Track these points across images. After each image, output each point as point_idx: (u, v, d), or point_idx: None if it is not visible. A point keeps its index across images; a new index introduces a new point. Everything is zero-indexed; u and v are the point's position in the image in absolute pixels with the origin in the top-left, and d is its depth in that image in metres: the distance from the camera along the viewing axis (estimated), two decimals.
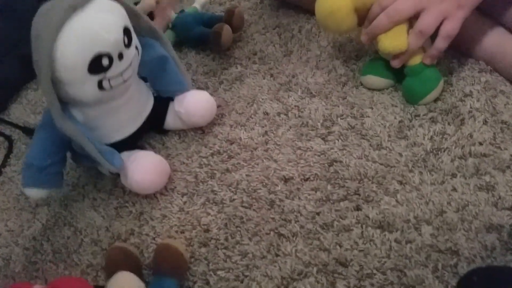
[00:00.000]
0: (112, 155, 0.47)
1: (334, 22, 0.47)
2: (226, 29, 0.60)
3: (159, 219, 0.47)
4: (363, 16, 0.48)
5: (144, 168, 0.47)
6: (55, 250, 0.48)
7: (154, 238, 0.45)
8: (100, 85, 0.43)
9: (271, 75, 0.58)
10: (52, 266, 0.47)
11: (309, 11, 0.64)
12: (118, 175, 0.49)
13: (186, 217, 0.46)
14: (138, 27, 0.48)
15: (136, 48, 0.46)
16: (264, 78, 0.58)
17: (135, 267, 0.41)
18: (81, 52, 0.40)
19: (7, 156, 0.62)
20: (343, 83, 0.53)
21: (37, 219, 0.52)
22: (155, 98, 0.53)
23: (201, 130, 0.54)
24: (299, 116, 0.52)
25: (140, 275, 0.40)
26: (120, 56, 0.43)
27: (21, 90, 0.74)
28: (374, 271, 0.36)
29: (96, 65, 0.41)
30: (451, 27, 0.42)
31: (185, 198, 0.48)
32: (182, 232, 0.44)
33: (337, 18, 0.47)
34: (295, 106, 0.53)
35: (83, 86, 0.43)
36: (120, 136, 0.50)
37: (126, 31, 0.43)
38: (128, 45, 0.44)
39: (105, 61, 0.42)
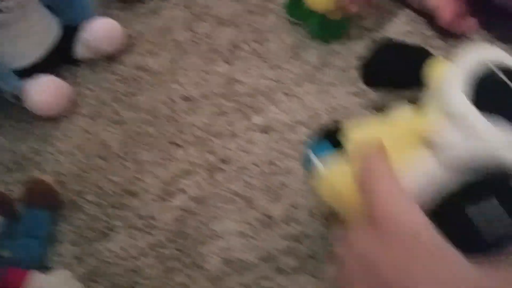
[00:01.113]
0: (9, 78, 0.53)
1: None
2: None
3: (60, 139, 0.54)
4: None
5: (43, 90, 0.54)
6: None
7: (54, 155, 0.52)
8: None
9: (187, 7, 0.66)
10: None
11: None
12: None
13: (87, 136, 0.53)
14: None
15: None
16: (180, 11, 0.66)
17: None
18: None
19: None
20: (253, 12, 0.61)
21: None
22: (64, 28, 0.60)
23: (111, 59, 0.61)
24: (208, 43, 0.59)
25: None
26: None
27: None
28: (251, 165, 0.45)
29: None
30: None
31: (87, 119, 0.55)
32: (81, 147, 0.52)
33: None
34: (205, 34, 0.61)
35: None
36: (24, 63, 0.57)
37: None
38: None
39: None
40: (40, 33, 0.58)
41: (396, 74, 0.37)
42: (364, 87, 0.47)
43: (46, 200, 0.48)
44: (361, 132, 0.32)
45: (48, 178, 0.48)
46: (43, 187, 0.47)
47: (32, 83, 0.55)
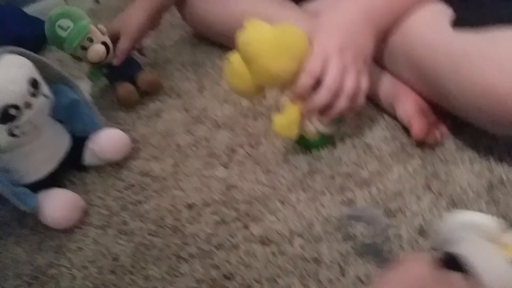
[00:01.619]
0: (25, 197, 0.53)
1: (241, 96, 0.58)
2: (127, 89, 0.69)
3: (74, 252, 0.52)
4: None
5: (57, 205, 0.53)
6: None
7: (69, 269, 0.51)
8: (11, 133, 0.50)
9: (185, 110, 0.66)
10: None
11: (224, 46, 0.73)
12: None
13: (99, 248, 0.52)
14: (49, 76, 0.55)
15: (46, 95, 0.53)
16: (179, 113, 0.66)
17: None
18: None
19: None
20: (245, 115, 0.62)
21: None
22: (73, 137, 0.60)
23: (118, 165, 0.61)
24: (206, 147, 0.60)
25: None
26: (27, 105, 0.50)
27: None
28: (253, 282, 0.43)
29: (4, 116, 0.48)
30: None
31: (99, 231, 0.54)
32: (94, 261, 0.51)
33: (243, 95, 0.57)
34: (204, 137, 0.61)
35: None
36: (37, 176, 0.56)
37: (33, 82, 0.51)
38: (35, 94, 0.51)
39: (12, 111, 0.48)
40: (52, 148, 0.57)
41: None
42: (350, 195, 0.48)
43: None
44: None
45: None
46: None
47: (46, 198, 0.54)
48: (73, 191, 0.57)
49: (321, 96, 0.47)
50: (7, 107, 0.48)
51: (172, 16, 0.82)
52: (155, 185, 0.57)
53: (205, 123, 0.63)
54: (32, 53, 0.53)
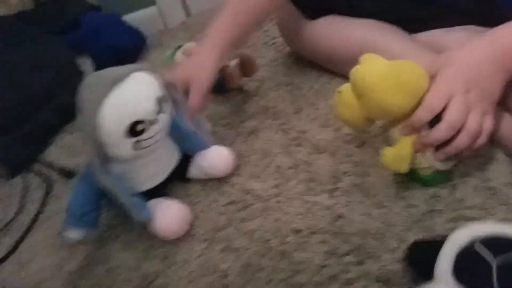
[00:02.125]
0: (141, 208, 0.51)
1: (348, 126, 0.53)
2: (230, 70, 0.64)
3: (181, 264, 0.50)
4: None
5: (168, 216, 0.51)
6: (90, 285, 0.52)
7: (177, 282, 0.48)
8: (135, 147, 0.48)
9: (283, 130, 0.63)
10: None
11: (321, 68, 0.69)
12: None
13: (205, 263, 0.49)
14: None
15: (168, 113, 0.51)
16: (276, 133, 0.63)
17: None
18: (120, 120, 0.46)
19: (45, 196, 0.67)
20: (348, 141, 0.57)
21: (73, 258, 0.56)
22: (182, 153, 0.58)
23: (219, 180, 0.58)
24: (308, 171, 0.55)
25: None
26: (153, 122, 0.48)
27: (58, 133, 0.79)
28: None
29: (132, 131, 0.46)
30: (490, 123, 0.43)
31: (204, 244, 0.51)
32: (201, 276, 0.48)
33: (350, 125, 0.52)
34: (304, 161, 0.57)
35: (120, 147, 0.48)
36: (150, 186, 0.55)
37: (159, 100, 0.49)
38: (160, 111, 0.49)
39: (139, 127, 0.47)
40: (165, 161, 0.56)
41: None
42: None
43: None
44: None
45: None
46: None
47: (157, 208, 0.53)
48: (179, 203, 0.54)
49: (440, 132, 0.42)
50: (136, 123, 0.46)
51: (266, 35, 0.79)
52: (258, 204, 0.54)
53: (305, 146, 0.59)
54: (154, 74, 0.51)
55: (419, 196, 0.47)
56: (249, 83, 0.74)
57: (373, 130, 0.57)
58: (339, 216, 0.49)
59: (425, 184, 0.48)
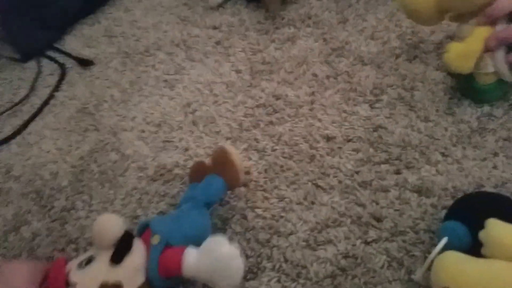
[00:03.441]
0: None
1: (412, 18, 0.47)
2: None
3: (203, 157, 0.49)
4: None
5: None
6: (102, 171, 0.51)
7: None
8: None
9: (324, 40, 0.59)
10: (97, 185, 0.50)
11: None
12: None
13: None
14: None
15: None
16: (316, 42, 0.59)
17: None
18: None
19: (59, 82, 0.66)
20: (396, 55, 0.53)
21: (85, 142, 0.56)
22: None
23: (248, 83, 0.56)
24: (348, 82, 0.53)
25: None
26: None
27: (77, 24, 0.76)
28: (407, 229, 0.38)
29: None
30: None
31: (228, 142, 0.50)
32: None
33: (415, 17, 0.47)
34: (345, 71, 0.54)
35: None
36: None
37: None
38: None
39: None
40: None
41: None
42: None
43: (225, 170, 0.42)
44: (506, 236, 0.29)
45: (229, 147, 0.43)
46: (227, 160, 0.42)
47: None
48: None
49: None
50: None
51: None
52: (289, 110, 0.51)
53: (347, 57, 0.55)
54: None
55: (470, 112, 0.44)
56: None
57: (427, 45, 0.53)
58: (379, 127, 0.47)
59: (480, 96, 0.45)
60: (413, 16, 0.47)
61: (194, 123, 0.53)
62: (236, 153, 0.42)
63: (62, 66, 0.68)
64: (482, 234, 0.30)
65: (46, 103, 0.63)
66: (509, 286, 0.28)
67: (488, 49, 0.40)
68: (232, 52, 0.61)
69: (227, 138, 0.50)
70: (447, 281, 0.31)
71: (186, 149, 0.50)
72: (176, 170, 0.49)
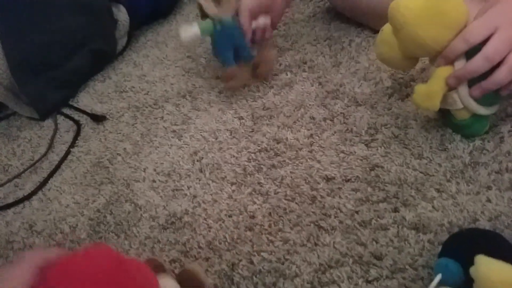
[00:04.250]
0: None
1: (390, 66, 0.54)
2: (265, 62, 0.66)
3: (210, 203, 0.53)
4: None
5: None
6: (117, 222, 0.56)
7: (205, 219, 0.51)
8: None
9: (319, 83, 0.64)
10: (113, 236, 0.54)
11: (361, 25, 0.69)
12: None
13: (234, 203, 0.52)
14: None
15: None
16: (312, 85, 0.64)
17: None
18: None
19: (75, 138, 0.72)
20: (389, 94, 0.57)
21: (101, 195, 0.60)
22: None
23: (250, 129, 0.61)
24: (344, 123, 0.57)
25: None
26: None
27: (90, 81, 0.84)
28: (407, 267, 0.40)
29: None
30: None
31: (234, 187, 0.54)
32: (230, 216, 0.51)
33: (391, 65, 0.53)
34: (340, 113, 0.58)
35: None
36: None
37: None
38: None
39: None
40: None
41: None
42: None
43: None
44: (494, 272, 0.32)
45: (197, 267, 0.44)
46: (194, 278, 0.43)
47: None
48: None
49: (475, 62, 0.42)
50: None
51: None
52: (289, 153, 0.56)
53: (342, 99, 0.60)
54: None
55: (462, 147, 0.48)
56: (286, 38, 0.75)
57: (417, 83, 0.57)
58: (376, 166, 0.50)
59: (463, 132, 0.48)
60: (387, 63, 0.52)
61: (201, 170, 0.58)
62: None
63: (77, 122, 0.75)
64: (472, 270, 0.33)
65: (63, 159, 0.69)
66: None
67: (452, 88, 0.44)
68: (234, 100, 0.66)
69: (232, 183, 0.54)
70: None
71: (194, 196, 0.55)
72: (186, 218, 0.53)
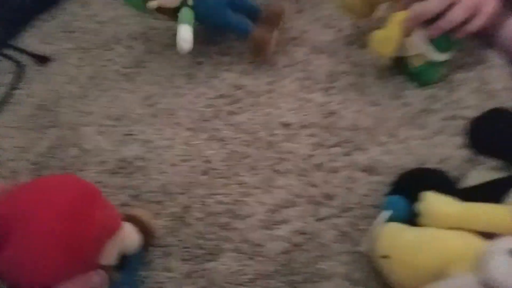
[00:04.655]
0: None
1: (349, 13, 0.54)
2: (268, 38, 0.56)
3: (164, 149, 0.52)
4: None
5: None
6: (62, 167, 0.53)
7: (159, 164, 0.50)
8: None
9: (280, 30, 0.62)
10: None
11: None
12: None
13: (189, 149, 0.51)
14: None
15: None
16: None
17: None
18: None
19: (17, 80, 0.66)
20: (350, 42, 0.57)
21: (45, 139, 0.57)
22: None
23: (207, 75, 0.59)
24: (304, 70, 0.56)
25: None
26: None
27: (34, 21, 0.76)
28: (356, 206, 0.42)
29: None
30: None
31: (190, 133, 0.53)
32: (185, 161, 0.50)
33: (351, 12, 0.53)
34: (301, 60, 0.57)
35: None
36: None
37: None
38: None
39: None
40: None
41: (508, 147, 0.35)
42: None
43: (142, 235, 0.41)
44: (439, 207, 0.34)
45: (143, 212, 0.43)
46: (141, 224, 0.42)
47: None
48: None
49: (431, 1, 0.42)
50: None
51: None
52: (248, 99, 0.55)
53: (303, 46, 0.59)
54: None
55: (415, 95, 0.49)
56: None
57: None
58: (332, 112, 0.51)
59: (417, 79, 0.49)
60: (348, 10, 0.52)
61: (154, 115, 0.56)
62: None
63: (18, 63, 0.69)
64: (419, 206, 0.35)
65: (3, 102, 0.63)
66: (438, 248, 0.33)
67: (409, 33, 0.44)
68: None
69: (188, 129, 0.53)
70: (386, 249, 0.35)
71: (147, 141, 0.53)
72: (137, 163, 0.51)
